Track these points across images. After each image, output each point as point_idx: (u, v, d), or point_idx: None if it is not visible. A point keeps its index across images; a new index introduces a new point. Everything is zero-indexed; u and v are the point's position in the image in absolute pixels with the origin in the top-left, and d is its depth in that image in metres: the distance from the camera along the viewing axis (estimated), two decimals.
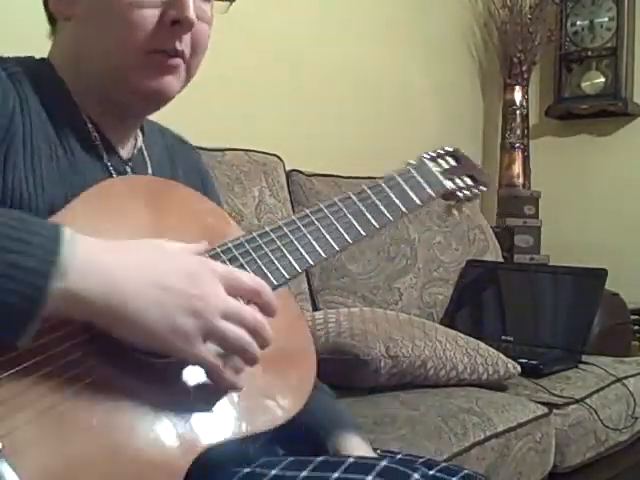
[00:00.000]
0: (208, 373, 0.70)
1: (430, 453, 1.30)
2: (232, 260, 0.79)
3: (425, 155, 1.10)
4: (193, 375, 0.72)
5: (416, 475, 0.73)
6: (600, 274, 2.06)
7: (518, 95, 3.01)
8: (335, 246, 0.88)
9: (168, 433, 0.67)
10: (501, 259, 2.58)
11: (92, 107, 0.87)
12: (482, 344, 1.72)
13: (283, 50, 2.28)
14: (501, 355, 1.71)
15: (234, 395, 0.72)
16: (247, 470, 0.76)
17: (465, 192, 1.12)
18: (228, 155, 1.89)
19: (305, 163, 2.17)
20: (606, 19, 2.98)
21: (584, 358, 1.96)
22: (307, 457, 0.80)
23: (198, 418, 0.69)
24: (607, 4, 2.98)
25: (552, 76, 3.10)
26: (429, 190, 1.04)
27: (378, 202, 0.96)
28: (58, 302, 0.62)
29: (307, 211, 0.88)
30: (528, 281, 2.22)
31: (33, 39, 0.91)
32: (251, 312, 0.71)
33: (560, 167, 3.14)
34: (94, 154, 0.86)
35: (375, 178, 2.45)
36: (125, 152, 0.91)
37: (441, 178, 1.08)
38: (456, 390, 1.62)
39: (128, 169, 0.90)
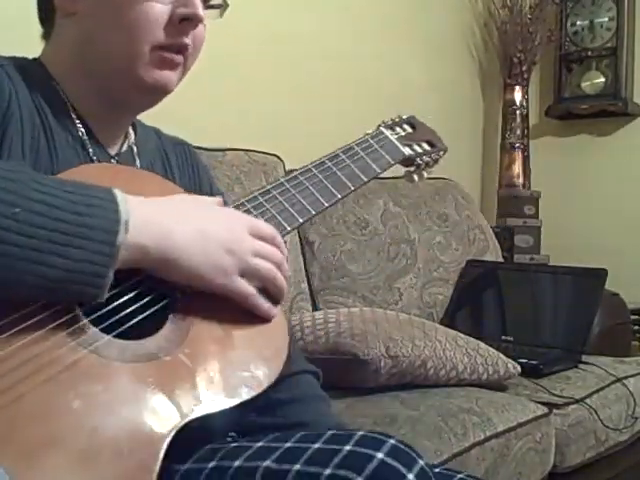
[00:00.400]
0: (246, 302, 0.79)
1: (430, 453, 1.30)
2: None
3: (382, 124, 1.14)
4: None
5: (392, 441, 0.72)
6: (600, 274, 2.06)
7: (518, 95, 3.01)
8: (298, 218, 0.91)
9: (147, 408, 0.68)
10: (501, 259, 2.58)
11: (85, 104, 0.89)
12: (482, 344, 1.72)
13: (283, 49, 2.28)
14: (501, 355, 1.71)
15: (214, 369, 0.74)
16: (234, 444, 0.79)
17: (424, 158, 1.15)
18: (228, 155, 1.89)
19: (305, 163, 2.17)
20: (606, 19, 2.98)
21: (584, 358, 1.95)
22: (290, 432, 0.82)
23: (178, 392, 0.70)
24: (607, 4, 2.98)
25: (552, 76, 3.10)
26: (387, 157, 1.07)
27: (339, 172, 0.99)
28: (122, 254, 0.69)
29: (268, 187, 0.91)
30: (528, 281, 2.22)
31: (25, 42, 0.93)
32: (274, 250, 0.82)
33: (560, 167, 3.14)
34: (80, 148, 0.88)
35: (375, 178, 2.45)
36: (113, 149, 0.94)
37: (399, 145, 1.11)
38: (456, 390, 1.61)
39: (113, 162, 0.92)
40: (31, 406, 0.63)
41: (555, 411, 1.65)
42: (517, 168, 3.00)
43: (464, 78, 3.08)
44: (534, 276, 2.22)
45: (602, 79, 2.99)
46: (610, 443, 1.77)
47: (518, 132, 3.01)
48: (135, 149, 0.97)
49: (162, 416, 0.68)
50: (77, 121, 0.89)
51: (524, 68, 2.98)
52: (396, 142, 1.11)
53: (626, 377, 1.87)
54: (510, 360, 1.71)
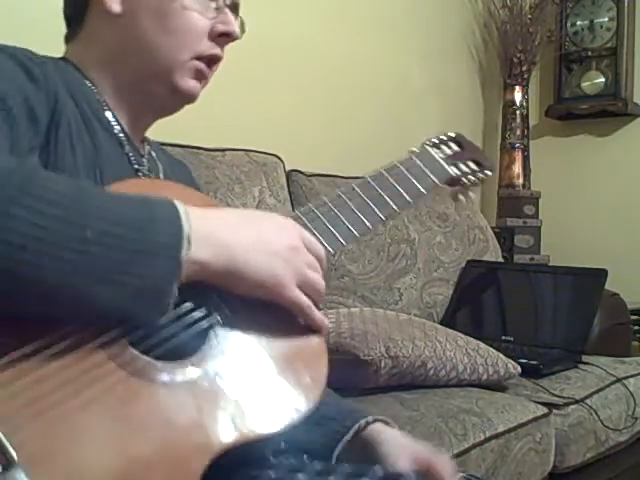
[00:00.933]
0: (302, 312, 0.79)
1: None
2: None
3: (427, 142, 1.10)
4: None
5: None
6: (600, 274, 2.06)
7: (518, 95, 3.01)
8: (342, 241, 0.89)
9: (184, 433, 0.67)
10: (501, 259, 2.58)
11: (115, 104, 0.91)
12: (482, 344, 1.72)
13: (283, 50, 2.28)
14: (501, 355, 1.71)
15: (248, 396, 0.72)
16: (273, 476, 0.78)
17: (470, 177, 1.11)
18: (228, 155, 1.89)
19: (305, 163, 2.17)
20: (606, 19, 2.98)
21: (584, 358, 1.96)
22: (330, 463, 0.83)
23: (212, 420, 0.69)
24: (607, 4, 2.98)
25: (552, 76, 3.10)
26: (433, 177, 1.03)
27: (382, 192, 0.96)
28: (185, 269, 0.69)
29: (311, 206, 0.90)
30: (528, 281, 2.22)
31: (46, 44, 0.93)
32: (319, 266, 0.82)
33: (560, 167, 3.14)
34: (118, 146, 0.90)
35: None
36: (140, 150, 0.96)
37: (445, 165, 1.07)
38: (456, 390, 1.61)
39: (144, 161, 0.94)
40: (69, 427, 0.62)
41: (555, 411, 1.65)
42: (517, 168, 3.00)
43: (464, 78, 3.08)
44: (534, 276, 2.22)
45: (602, 79, 2.99)
46: (610, 443, 1.77)
47: (518, 132, 3.01)
48: (154, 154, 0.99)
49: (199, 442, 0.67)
50: (112, 119, 0.90)
51: (524, 68, 2.98)
52: (442, 161, 1.08)
53: (626, 377, 1.87)
54: (510, 360, 1.71)
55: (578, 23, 3.04)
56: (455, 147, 1.12)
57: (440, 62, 2.90)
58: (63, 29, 0.96)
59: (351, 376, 1.54)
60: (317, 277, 0.80)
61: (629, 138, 3.03)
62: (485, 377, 1.67)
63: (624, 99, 2.94)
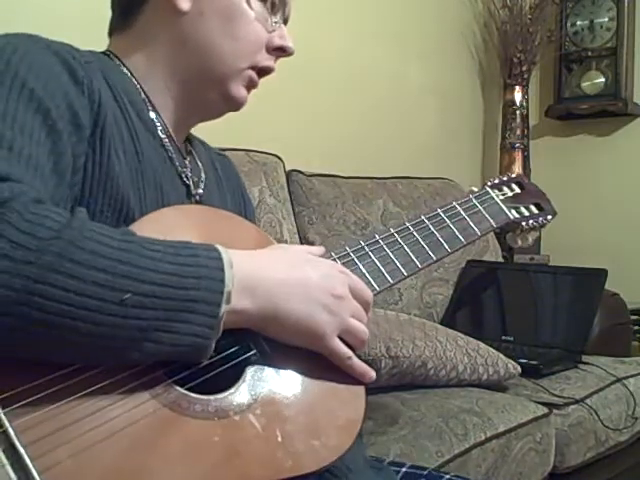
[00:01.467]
0: (344, 363, 0.78)
1: (431, 454, 1.30)
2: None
3: (488, 182, 1.07)
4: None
5: None
6: (600, 274, 2.06)
7: (518, 95, 3.01)
8: (390, 279, 0.88)
9: (208, 470, 0.66)
10: (501, 259, 2.58)
11: (161, 103, 0.89)
12: (482, 344, 1.72)
13: None
14: (501, 355, 1.71)
15: (280, 432, 0.71)
16: None
17: (530, 221, 1.09)
18: (228, 155, 1.89)
19: (305, 163, 2.17)
20: (606, 19, 2.98)
21: (584, 358, 1.96)
22: None
23: (241, 456, 0.68)
24: (607, 4, 2.98)
25: (552, 76, 3.10)
26: (491, 221, 1.01)
27: (437, 233, 0.94)
28: (225, 320, 0.69)
29: (362, 243, 0.89)
30: (528, 281, 2.22)
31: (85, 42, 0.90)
32: (365, 313, 0.81)
33: (560, 167, 3.14)
34: (160, 148, 0.88)
35: (375, 178, 2.45)
36: (181, 147, 0.94)
37: (504, 208, 1.05)
38: (456, 390, 1.61)
39: (187, 162, 0.93)
40: (108, 464, 0.63)
41: (555, 411, 1.65)
42: (517, 168, 3.00)
43: (464, 78, 3.08)
44: (534, 276, 2.22)
45: (602, 79, 2.99)
46: (610, 443, 1.77)
47: (518, 132, 3.01)
48: (195, 154, 0.97)
49: (231, 475, 0.66)
50: (156, 120, 0.88)
51: (524, 68, 2.98)
52: (501, 204, 1.05)
53: (626, 377, 1.87)
54: (510, 360, 1.71)
55: (578, 23, 3.04)
56: (517, 189, 1.10)
57: (440, 62, 2.90)
58: (95, 26, 0.94)
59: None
60: (360, 326, 0.79)
61: (629, 138, 3.03)
62: (485, 377, 1.67)
63: (624, 99, 2.94)
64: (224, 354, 0.74)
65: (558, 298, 2.14)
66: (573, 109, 3.04)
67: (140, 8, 0.88)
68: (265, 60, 0.92)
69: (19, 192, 0.63)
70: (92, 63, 0.81)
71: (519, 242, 1.12)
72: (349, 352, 0.78)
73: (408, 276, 0.90)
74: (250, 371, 0.75)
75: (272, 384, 0.75)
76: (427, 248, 0.93)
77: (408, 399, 1.53)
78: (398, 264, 0.89)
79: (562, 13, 3.04)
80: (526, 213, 1.09)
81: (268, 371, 0.75)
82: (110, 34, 0.92)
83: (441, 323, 2.07)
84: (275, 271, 0.75)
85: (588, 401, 1.71)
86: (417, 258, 0.91)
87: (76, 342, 0.63)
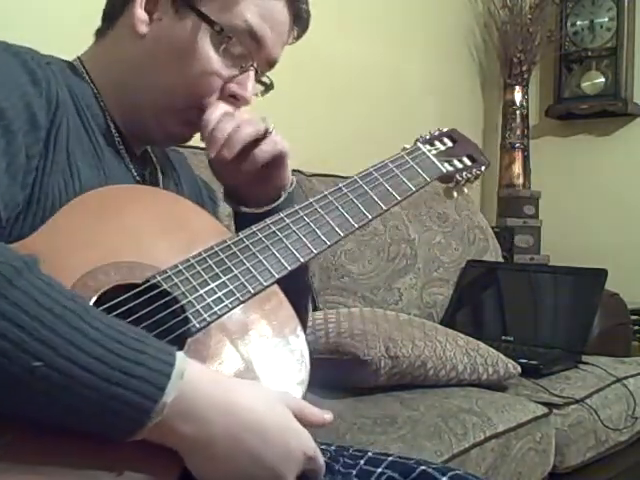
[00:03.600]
0: None
1: (430, 453, 1.30)
2: (219, 263, 0.79)
3: (420, 138, 1.07)
4: None
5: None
6: (600, 274, 2.06)
7: (518, 95, 3.01)
8: (326, 241, 0.86)
9: None
10: (501, 259, 2.58)
11: (117, 114, 0.88)
12: (482, 344, 1.72)
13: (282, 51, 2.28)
14: (501, 355, 1.71)
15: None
16: None
17: (464, 173, 1.08)
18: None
19: (305, 163, 2.17)
20: (606, 19, 2.98)
21: (584, 358, 1.96)
22: None
23: None
24: (607, 4, 2.98)
25: (552, 76, 3.10)
26: (424, 175, 1.00)
27: (370, 191, 0.93)
28: (151, 430, 0.62)
29: (296, 207, 0.88)
30: (528, 281, 2.22)
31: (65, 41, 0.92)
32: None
33: (560, 167, 3.14)
34: (115, 151, 0.88)
35: None
36: (137, 152, 0.94)
37: (437, 162, 1.04)
38: (456, 390, 1.61)
39: (146, 173, 0.92)
40: None
41: (555, 411, 1.65)
42: (517, 168, 3.00)
43: (464, 78, 3.08)
44: (534, 276, 2.22)
45: (602, 79, 2.99)
46: (610, 443, 1.77)
47: (518, 132, 3.01)
48: (150, 153, 0.97)
49: None
50: (113, 128, 0.88)
51: (524, 68, 2.98)
52: (434, 158, 1.04)
53: (626, 377, 1.87)
54: (510, 360, 1.71)
55: (578, 23, 3.04)
56: (449, 142, 1.10)
57: (440, 62, 2.90)
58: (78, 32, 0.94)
59: (351, 376, 1.54)
60: None
61: (629, 138, 3.03)
62: (485, 377, 1.67)
63: (624, 99, 2.94)
64: (163, 328, 0.73)
65: (558, 298, 2.14)
66: (573, 109, 3.04)
67: (114, 22, 0.89)
68: (213, 103, 0.88)
69: None
70: (52, 65, 0.82)
71: (454, 194, 1.10)
72: None
73: (345, 236, 0.89)
74: (190, 343, 0.73)
75: (214, 354, 0.74)
76: (361, 207, 0.91)
77: (407, 399, 1.53)
78: (333, 225, 0.88)
79: (562, 13, 3.04)
80: (459, 165, 1.07)
81: (209, 342, 0.74)
82: (95, 36, 0.93)
83: (441, 323, 2.07)
84: (228, 407, 0.66)
85: (588, 401, 1.71)
86: (352, 218, 0.90)
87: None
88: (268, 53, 0.89)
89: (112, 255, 0.75)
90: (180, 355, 0.64)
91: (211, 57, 0.86)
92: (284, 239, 0.84)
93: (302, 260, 0.84)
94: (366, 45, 2.57)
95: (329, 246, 0.87)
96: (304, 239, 0.85)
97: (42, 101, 0.77)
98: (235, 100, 0.88)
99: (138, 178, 0.90)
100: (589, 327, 2.01)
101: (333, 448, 1.01)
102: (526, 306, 2.17)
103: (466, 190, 1.12)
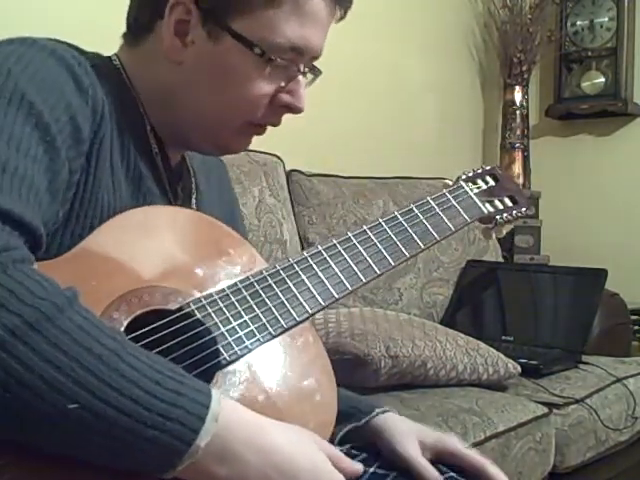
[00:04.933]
0: None
1: None
2: (254, 295, 0.78)
3: (462, 175, 1.05)
4: None
5: None
6: (600, 274, 2.06)
7: (518, 95, 3.01)
8: (362, 278, 0.85)
9: None
10: (501, 259, 2.58)
11: (158, 124, 0.85)
12: (482, 344, 1.72)
13: None
14: (501, 355, 1.71)
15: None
16: None
17: (505, 215, 1.06)
18: (228, 155, 1.89)
19: (305, 163, 2.17)
20: (606, 19, 2.98)
21: (584, 358, 1.96)
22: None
23: None
24: (607, 4, 2.97)
25: (552, 76, 3.10)
26: (465, 215, 0.98)
27: (410, 229, 0.92)
28: (184, 471, 0.61)
29: (334, 241, 0.86)
30: (528, 281, 2.22)
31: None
32: None
33: (560, 167, 3.14)
34: (150, 162, 0.84)
35: (375, 178, 2.44)
36: (174, 162, 0.90)
37: (478, 202, 1.02)
38: (456, 390, 1.62)
39: (179, 189, 0.89)
40: None
41: (555, 411, 1.65)
42: (517, 168, 3.00)
43: (464, 78, 3.08)
44: (534, 276, 2.22)
45: (602, 79, 2.99)
46: (610, 443, 1.77)
47: (518, 132, 3.01)
48: (187, 160, 0.94)
49: None
50: (151, 138, 0.84)
51: (524, 68, 2.98)
52: (475, 198, 1.02)
53: (626, 377, 1.87)
54: (510, 360, 1.71)
55: (578, 23, 3.04)
56: (491, 181, 1.08)
57: (440, 62, 2.91)
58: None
59: (351, 376, 1.54)
60: None
61: (629, 138, 3.03)
62: (485, 377, 1.67)
63: (624, 99, 2.94)
64: (194, 359, 0.72)
65: (558, 298, 2.14)
66: (573, 109, 3.04)
67: (144, 36, 0.84)
68: (266, 117, 0.84)
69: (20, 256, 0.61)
70: (97, 68, 0.78)
71: (493, 235, 1.09)
72: None
73: (381, 274, 0.88)
74: (220, 375, 0.73)
75: (242, 389, 0.73)
76: (400, 245, 0.90)
77: (407, 399, 1.53)
78: (371, 262, 0.87)
79: (562, 13, 3.04)
80: (500, 206, 1.07)
81: (238, 376, 0.74)
82: (123, 39, 0.87)
83: (441, 323, 2.07)
84: (261, 450, 0.65)
85: (588, 401, 1.71)
86: (390, 255, 0.89)
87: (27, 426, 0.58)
88: (313, 52, 0.84)
89: (146, 279, 0.74)
90: (215, 396, 0.63)
91: (255, 79, 0.81)
92: (320, 273, 0.83)
93: (337, 297, 0.83)
94: (365, 43, 2.57)
95: (365, 283, 0.86)
96: (340, 275, 0.84)
97: (87, 111, 0.74)
98: (288, 110, 0.86)
99: (170, 194, 0.87)
100: (589, 327, 2.01)
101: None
102: (526, 306, 2.17)
103: (505, 232, 1.10)
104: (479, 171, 1.08)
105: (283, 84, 0.83)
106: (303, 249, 2.01)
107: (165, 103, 0.84)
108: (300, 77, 0.84)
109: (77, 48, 0.80)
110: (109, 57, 0.86)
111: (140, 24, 0.84)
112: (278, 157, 2.05)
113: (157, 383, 0.60)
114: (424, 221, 0.94)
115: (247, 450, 0.64)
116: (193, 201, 0.92)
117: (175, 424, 0.59)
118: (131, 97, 0.84)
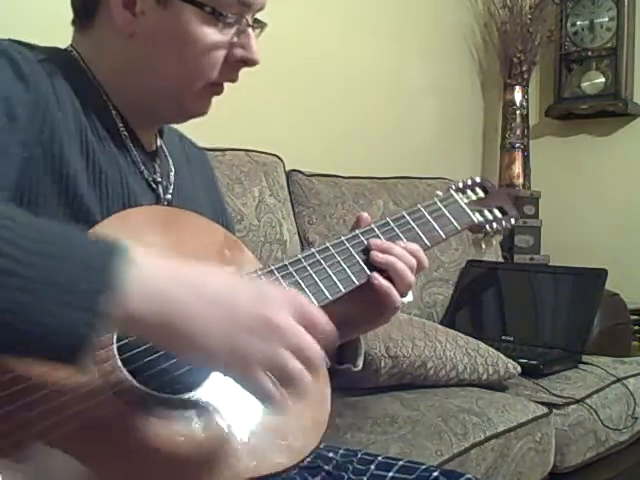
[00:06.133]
0: (262, 401, 0.66)
1: (430, 453, 1.30)
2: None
3: (453, 186, 1.08)
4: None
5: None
6: (600, 274, 2.06)
7: (518, 95, 3.01)
8: (355, 280, 0.87)
9: (178, 470, 0.66)
10: (501, 259, 2.58)
11: (123, 106, 0.87)
12: (482, 344, 1.72)
13: (282, 51, 2.28)
14: (501, 355, 1.71)
15: (245, 435, 0.71)
16: None
17: (495, 225, 1.08)
18: (228, 155, 1.89)
19: (305, 163, 2.17)
20: (606, 19, 2.98)
21: (584, 358, 1.96)
22: None
23: (207, 457, 0.68)
24: (607, 4, 2.97)
25: (552, 76, 3.10)
26: (455, 223, 1.01)
27: (401, 235, 0.94)
28: (115, 322, 0.59)
29: (328, 244, 0.88)
30: (528, 281, 2.22)
31: (54, 28, 0.88)
32: (317, 350, 0.65)
33: (560, 167, 3.14)
34: (121, 146, 0.86)
35: (375, 178, 2.44)
36: (148, 147, 0.91)
37: (468, 211, 1.05)
38: (456, 390, 1.62)
39: (157, 166, 0.91)
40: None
41: (555, 411, 1.65)
42: (517, 168, 3.00)
43: (464, 78, 3.08)
44: (534, 276, 2.22)
45: (602, 79, 2.99)
46: (610, 443, 1.78)
47: (518, 132, 3.01)
48: (165, 148, 0.95)
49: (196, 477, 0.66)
50: (118, 121, 0.86)
51: (524, 68, 2.98)
52: (465, 207, 1.05)
53: (626, 377, 1.87)
54: (510, 360, 1.71)
55: (578, 23, 3.04)
56: (480, 192, 1.10)
57: (440, 62, 2.91)
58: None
59: (351, 376, 1.54)
60: (296, 365, 0.63)
61: (629, 138, 3.03)
62: (485, 377, 1.67)
63: (624, 99, 2.94)
64: (182, 370, 0.72)
65: (558, 298, 2.14)
66: (573, 109, 3.04)
67: (92, 17, 0.85)
68: (225, 75, 0.86)
69: None
70: (46, 62, 0.79)
71: (483, 245, 1.11)
72: (275, 395, 0.64)
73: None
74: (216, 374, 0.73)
75: (237, 388, 0.73)
76: None
77: (407, 399, 1.53)
78: (363, 266, 0.89)
79: (562, 13, 3.04)
80: (490, 217, 1.08)
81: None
82: (73, 26, 0.88)
83: (441, 323, 2.07)
84: (192, 282, 0.63)
85: (588, 401, 1.71)
86: None
87: None
88: (259, 4, 0.88)
89: None
90: (124, 243, 0.61)
91: (208, 38, 0.83)
92: (314, 275, 0.84)
93: (331, 298, 0.84)
94: (366, 45, 2.57)
95: (357, 286, 0.87)
96: (334, 277, 0.85)
97: (28, 97, 0.75)
98: (243, 64, 0.87)
99: (149, 180, 0.88)
100: (589, 327, 2.02)
101: (341, 452, 1.00)
102: (526, 306, 2.17)
103: (495, 242, 1.11)
104: (469, 182, 1.10)
105: (235, 39, 0.85)
106: (303, 249, 2.01)
107: (125, 81, 0.86)
108: (250, 30, 0.86)
109: (31, 45, 0.81)
110: (65, 49, 0.87)
111: (86, 4, 0.86)
112: (278, 157, 2.05)
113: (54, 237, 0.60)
114: (415, 228, 0.96)
115: (173, 286, 0.62)
116: (172, 179, 0.93)
117: (92, 272, 0.58)
118: (91, 84, 0.85)
